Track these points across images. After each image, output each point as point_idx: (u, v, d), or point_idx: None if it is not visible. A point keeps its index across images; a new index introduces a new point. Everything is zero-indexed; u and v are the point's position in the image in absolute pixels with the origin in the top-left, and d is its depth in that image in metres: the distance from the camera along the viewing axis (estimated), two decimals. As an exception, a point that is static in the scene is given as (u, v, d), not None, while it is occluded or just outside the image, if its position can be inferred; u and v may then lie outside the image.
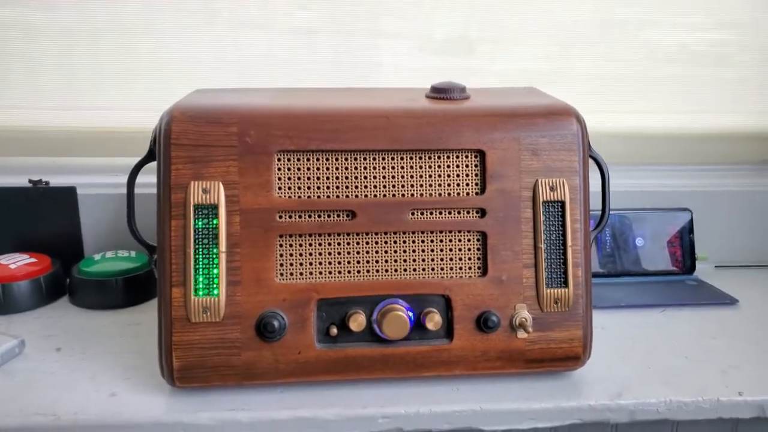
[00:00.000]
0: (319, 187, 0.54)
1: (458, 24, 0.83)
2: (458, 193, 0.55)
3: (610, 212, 0.71)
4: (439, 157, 0.54)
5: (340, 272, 0.54)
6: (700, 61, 0.85)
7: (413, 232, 0.54)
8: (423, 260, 0.54)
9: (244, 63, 0.82)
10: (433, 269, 0.54)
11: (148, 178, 0.57)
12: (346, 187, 0.54)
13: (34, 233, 0.77)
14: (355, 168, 0.54)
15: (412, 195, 0.54)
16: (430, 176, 0.54)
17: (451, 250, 0.54)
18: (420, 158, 0.54)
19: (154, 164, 0.54)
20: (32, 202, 0.76)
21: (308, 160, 0.53)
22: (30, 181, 0.76)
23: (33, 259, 0.72)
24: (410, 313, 0.53)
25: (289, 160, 0.53)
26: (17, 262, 0.71)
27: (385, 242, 0.54)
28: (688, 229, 0.80)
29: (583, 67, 0.85)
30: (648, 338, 0.64)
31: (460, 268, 0.54)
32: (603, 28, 0.84)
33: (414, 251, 0.54)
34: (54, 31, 0.79)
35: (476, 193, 0.55)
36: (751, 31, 0.85)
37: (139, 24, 0.79)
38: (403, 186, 0.54)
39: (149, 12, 0.79)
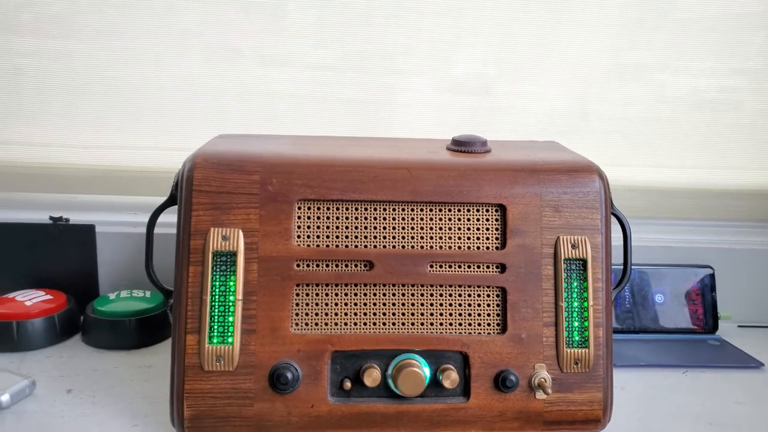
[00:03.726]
0: (338, 237, 0.53)
1: (475, 65, 0.83)
2: (478, 247, 0.54)
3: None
4: (459, 210, 0.54)
5: (356, 324, 0.53)
6: (720, 109, 0.85)
7: (431, 285, 0.54)
8: (441, 314, 0.54)
9: (259, 100, 0.83)
10: (451, 324, 0.53)
11: (169, 218, 0.57)
12: (365, 237, 0.53)
13: (52, 269, 0.77)
14: (375, 219, 0.54)
15: (431, 247, 0.54)
16: (450, 229, 0.54)
17: (470, 305, 0.54)
18: (440, 211, 0.54)
19: (175, 207, 0.54)
20: (51, 239, 0.77)
21: (328, 209, 0.53)
22: (51, 218, 0.77)
23: (48, 296, 0.72)
24: (426, 369, 0.52)
25: (309, 209, 0.53)
26: (33, 299, 0.71)
27: (403, 294, 0.54)
28: (710, 287, 0.78)
29: (601, 111, 0.85)
30: (670, 401, 0.62)
31: (479, 324, 0.53)
32: (619, 73, 0.84)
33: (432, 305, 0.54)
34: (86, 71, 0.81)
35: (496, 248, 0.54)
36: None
37: (168, 62, 0.81)
38: (422, 238, 0.54)
39: (180, 52, 0.81)
